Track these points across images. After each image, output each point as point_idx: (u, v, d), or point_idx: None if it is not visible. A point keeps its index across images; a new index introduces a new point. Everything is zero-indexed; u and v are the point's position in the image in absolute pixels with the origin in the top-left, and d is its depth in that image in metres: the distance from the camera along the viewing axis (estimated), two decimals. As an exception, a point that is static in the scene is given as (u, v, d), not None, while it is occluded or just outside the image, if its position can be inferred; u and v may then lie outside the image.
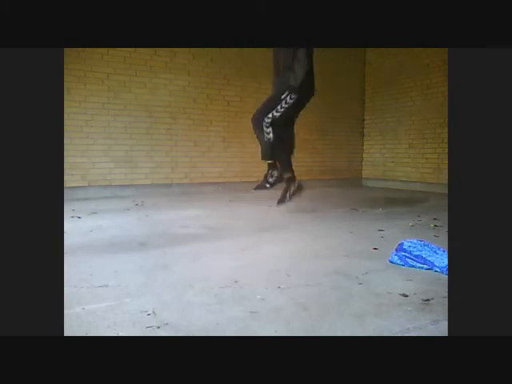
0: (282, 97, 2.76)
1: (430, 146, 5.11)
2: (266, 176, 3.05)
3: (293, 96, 2.75)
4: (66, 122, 3.63)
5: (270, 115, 2.79)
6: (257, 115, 2.88)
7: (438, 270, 1.56)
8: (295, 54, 2.73)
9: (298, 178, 3.04)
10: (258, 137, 2.99)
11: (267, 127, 2.81)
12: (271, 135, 2.83)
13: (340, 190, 5.05)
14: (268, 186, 3.02)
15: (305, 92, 2.79)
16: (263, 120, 2.80)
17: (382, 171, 5.86)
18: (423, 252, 1.64)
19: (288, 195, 2.94)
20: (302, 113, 2.97)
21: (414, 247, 1.67)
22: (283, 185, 2.99)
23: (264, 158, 3.01)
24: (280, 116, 2.80)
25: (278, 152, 2.95)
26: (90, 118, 4.19)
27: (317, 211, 3.04)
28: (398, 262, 1.66)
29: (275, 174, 3.01)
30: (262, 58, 4.87)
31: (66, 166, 3.71)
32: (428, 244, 1.70)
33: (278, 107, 2.78)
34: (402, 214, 3.05)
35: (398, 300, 1.27)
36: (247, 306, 1.21)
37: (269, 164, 3.04)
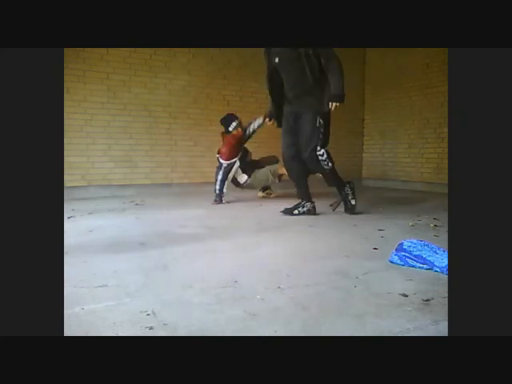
0: (317, 125, 2.75)
1: (430, 146, 5.12)
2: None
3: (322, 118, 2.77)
4: (65, 121, 3.62)
5: (319, 146, 2.74)
6: (305, 154, 2.78)
7: (438, 269, 1.56)
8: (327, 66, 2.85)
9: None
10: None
11: (322, 156, 2.76)
12: (330, 164, 2.79)
13: (340, 190, 5.04)
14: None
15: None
16: (315, 154, 2.75)
17: (382, 171, 5.86)
18: (423, 252, 1.64)
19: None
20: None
21: (414, 247, 1.67)
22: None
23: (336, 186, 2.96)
24: (325, 138, 2.79)
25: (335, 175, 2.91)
26: (89, 118, 4.19)
27: (317, 211, 3.03)
28: (398, 261, 1.66)
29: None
30: (261, 57, 4.87)
31: (65, 165, 3.70)
32: (428, 244, 1.70)
33: (320, 135, 2.75)
34: (402, 214, 3.05)
35: (398, 300, 1.27)
36: (247, 306, 1.21)
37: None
